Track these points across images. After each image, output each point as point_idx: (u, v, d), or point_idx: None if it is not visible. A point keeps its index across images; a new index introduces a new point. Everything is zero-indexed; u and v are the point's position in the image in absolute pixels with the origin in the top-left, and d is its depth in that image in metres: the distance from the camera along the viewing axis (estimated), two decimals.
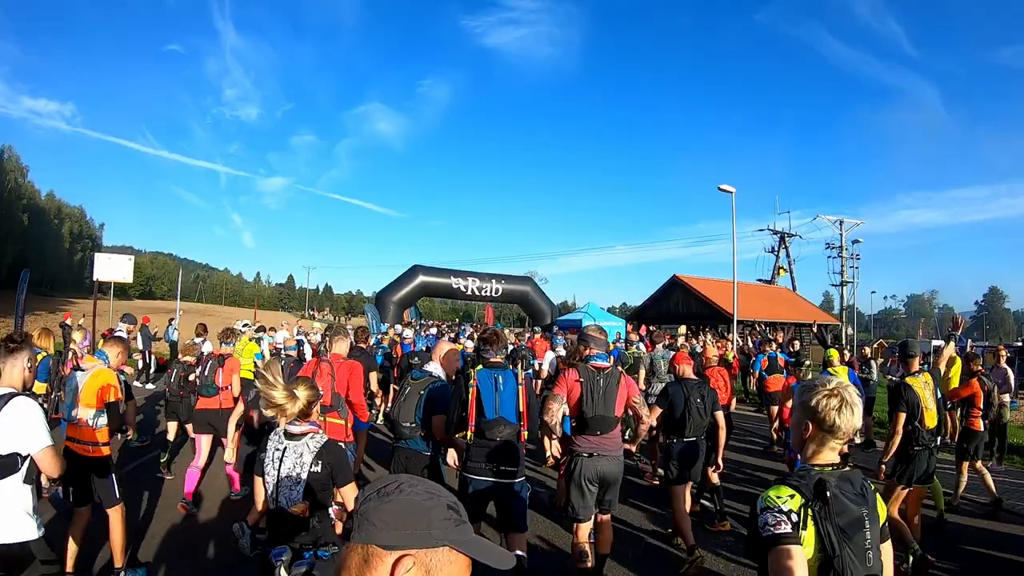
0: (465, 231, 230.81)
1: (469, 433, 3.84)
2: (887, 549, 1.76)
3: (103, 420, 4.13)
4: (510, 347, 9.59)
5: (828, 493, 1.62)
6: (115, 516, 4.14)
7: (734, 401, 6.42)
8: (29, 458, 2.83)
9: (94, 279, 18.33)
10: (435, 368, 4.52)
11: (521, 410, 3.89)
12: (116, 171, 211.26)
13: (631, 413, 4.33)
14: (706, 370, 6.70)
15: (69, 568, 3.98)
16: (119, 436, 6.55)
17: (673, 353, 6.33)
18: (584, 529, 4.12)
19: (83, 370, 4.25)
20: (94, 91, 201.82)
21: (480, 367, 4.01)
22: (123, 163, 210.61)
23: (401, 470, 4.30)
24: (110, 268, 19.03)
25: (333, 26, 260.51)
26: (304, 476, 2.61)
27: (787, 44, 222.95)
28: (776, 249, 42.92)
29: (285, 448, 2.66)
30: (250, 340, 9.20)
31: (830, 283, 40.92)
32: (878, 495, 1.80)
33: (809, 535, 1.62)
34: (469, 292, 26.22)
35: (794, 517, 1.62)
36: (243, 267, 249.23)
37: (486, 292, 26.58)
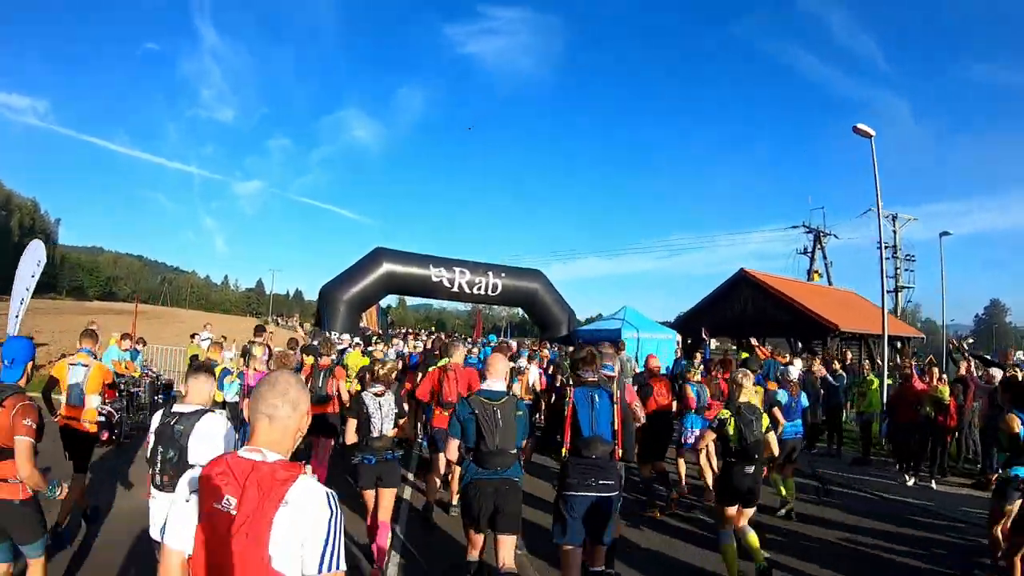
0: (441, 241, 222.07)
1: (564, 451, 3.90)
2: (770, 437, 4.81)
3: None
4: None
5: (738, 409, 4.71)
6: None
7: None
8: None
9: None
10: (500, 384, 4.19)
11: (616, 429, 3.95)
12: (88, 170, 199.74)
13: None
14: (651, 379, 7.13)
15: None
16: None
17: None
18: None
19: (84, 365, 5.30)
20: (68, 88, 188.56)
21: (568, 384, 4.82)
22: (95, 162, 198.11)
23: (495, 504, 3.92)
24: None
25: (312, 31, 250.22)
26: (392, 414, 4.68)
27: (768, 58, 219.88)
28: (811, 250, 36.24)
29: (379, 400, 4.66)
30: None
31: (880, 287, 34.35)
32: (764, 415, 4.84)
33: (732, 425, 4.67)
34: (455, 288, 18.21)
35: (724, 419, 4.75)
36: (214, 271, 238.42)
37: (479, 289, 18.62)
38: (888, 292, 33.92)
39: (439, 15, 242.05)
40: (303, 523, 1.55)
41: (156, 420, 3.33)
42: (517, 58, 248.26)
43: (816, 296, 21.26)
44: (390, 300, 22.37)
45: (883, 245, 34.93)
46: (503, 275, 19.06)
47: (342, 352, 9.49)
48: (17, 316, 13.26)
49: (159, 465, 3.17)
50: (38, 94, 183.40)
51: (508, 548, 3.96)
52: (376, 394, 4.68)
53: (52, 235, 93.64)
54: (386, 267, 17.36)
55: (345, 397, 6.78)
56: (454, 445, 4.06)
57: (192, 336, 14.25)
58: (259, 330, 10.54)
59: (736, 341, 23.16)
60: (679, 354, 17.13)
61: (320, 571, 1.56)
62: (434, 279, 17.96)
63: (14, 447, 3.25)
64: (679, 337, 18.55)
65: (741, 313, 19.68)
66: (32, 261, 13.71)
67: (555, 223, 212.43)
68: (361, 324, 17.66)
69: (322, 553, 1.57)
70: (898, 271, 33.49)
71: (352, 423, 4.69)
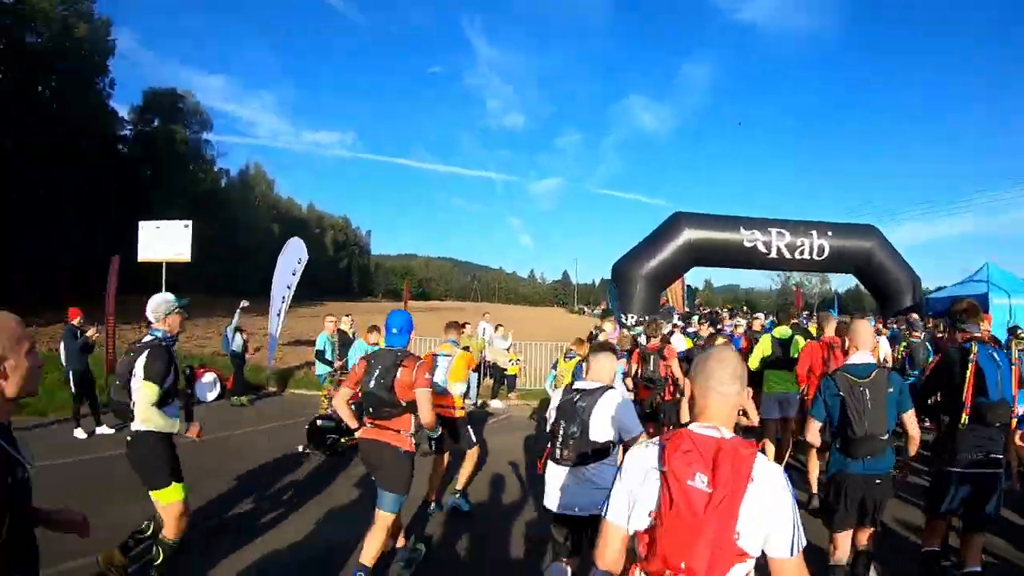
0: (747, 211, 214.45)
1: (964, 417, 3.49)
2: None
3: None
4: None
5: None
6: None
7: None
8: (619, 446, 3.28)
9: (139, 259, 12.20)
10: (867, 356, 3.64)
11: (1014, 393, 3.59)
12: (394, 187, 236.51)
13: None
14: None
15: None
16: None
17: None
18: None
19: (447, 355, 5.58)
20: (369, 119, 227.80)
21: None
22: (400, 179, 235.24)
23: (863, 496, 3.50)
24: (159, 242, 12.50)
25: (582, 23, 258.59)
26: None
27: None
28: None
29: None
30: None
31: None
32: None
33: None
34: (772, 254, 14.79)
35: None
36: (521, 267, 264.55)
37: (801, 252, 14.96)
38: None
39: None
40: (768, 500, 1.55)
41: (557, 397, 3.45)
42: (792, 14, 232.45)
43: None
44: (695, 281, 19.57)
45: None
46: (829, 234, 15.25)
47: (669, 334, 8.42)
48: (279, 314, 12.41)
49: (560, 439, 3.25)
50: (344, 128, 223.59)
51: (864, 537, 3.71)
52: None
53: (365, 247, 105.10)
54: (688, 234, 14.57)
55: (680, 377, 6.46)
56: (815, 427, 3.64)
57: (463, 326, 12.59)
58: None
59: None
60: None
61: (792, 553, 1.56)
62: (746, 243, 14.77)
63: (416, 400, 3.78)
64: None
65: None
66: (292, 259, 13.10)
67: (869, 184, 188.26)
68: (664, 304, 14.94)
69: (792, 534, 1.56)
70: None
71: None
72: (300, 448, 7.32)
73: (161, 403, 3.63)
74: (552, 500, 3.28)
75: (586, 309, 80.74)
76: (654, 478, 1.61)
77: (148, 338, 3.75)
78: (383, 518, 3.81)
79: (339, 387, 7.99)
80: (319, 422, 7.44)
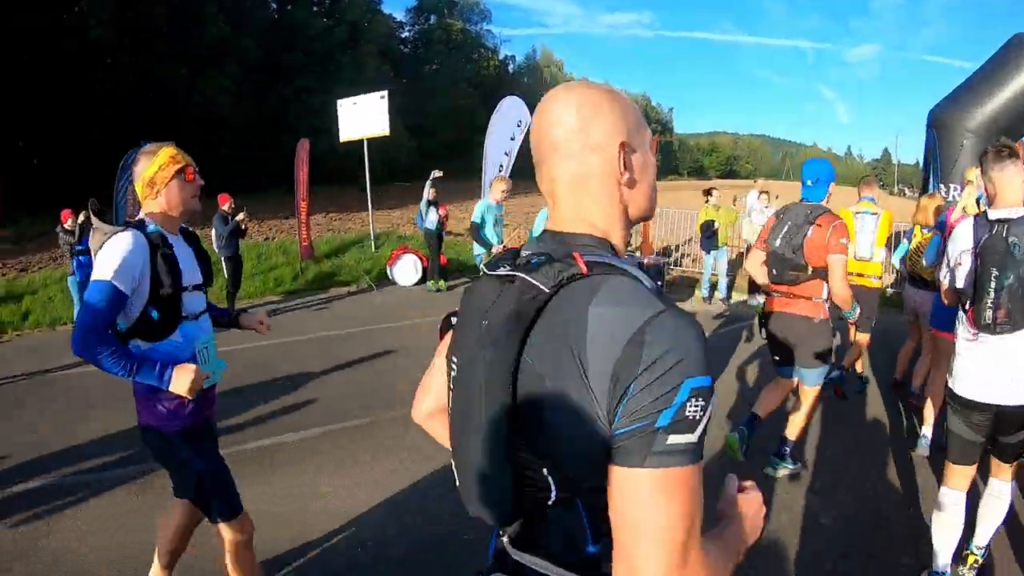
0: None
1: None
2: None
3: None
4: None
5: None
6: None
7: None
8: None
9: (341, 140, 12.41)
10: None
11: None
12: (697, 63, 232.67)
13: None
14: None
15: None
16: None
17: None
18: None
19: (873, 213, 4.84)
20: None
21: None
22: (702, 54, 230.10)
23: None
24: (356, 119, 12.11)
25: None
26: None
27: None
28: None
29: None
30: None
31: None
32: None
33: None
34: None
35: None
36: (836, 143, 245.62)
37: None
38: None
39: None
40: None
41: (966, 233, 2.43)
42: None
43: None
44: None
45: None
46: None
47: None
48: (491, 185, 11.90)
49: (992, 296, 2.30)
50: (641, 8, 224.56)
51: None
52: None
53: (668, 124, 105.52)
54: None
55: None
56: None
57: (707, 193, 9.64)
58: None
59: None
60: None
61: None
62: None
63: (827, 265, 3.29)
64: None
65: None
66: (510, 121, 11.05)
67: None
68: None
69: None
70: None
71: None
72: None
73: None
74: (973, 385, 2.38)
75: (907, 191, 71.14)
76: None
77: None
78: (807, 392, 3.52)
79: None
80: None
